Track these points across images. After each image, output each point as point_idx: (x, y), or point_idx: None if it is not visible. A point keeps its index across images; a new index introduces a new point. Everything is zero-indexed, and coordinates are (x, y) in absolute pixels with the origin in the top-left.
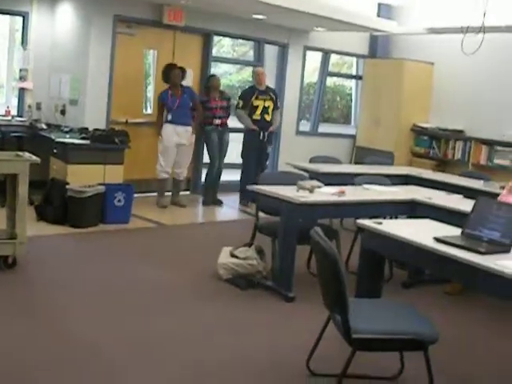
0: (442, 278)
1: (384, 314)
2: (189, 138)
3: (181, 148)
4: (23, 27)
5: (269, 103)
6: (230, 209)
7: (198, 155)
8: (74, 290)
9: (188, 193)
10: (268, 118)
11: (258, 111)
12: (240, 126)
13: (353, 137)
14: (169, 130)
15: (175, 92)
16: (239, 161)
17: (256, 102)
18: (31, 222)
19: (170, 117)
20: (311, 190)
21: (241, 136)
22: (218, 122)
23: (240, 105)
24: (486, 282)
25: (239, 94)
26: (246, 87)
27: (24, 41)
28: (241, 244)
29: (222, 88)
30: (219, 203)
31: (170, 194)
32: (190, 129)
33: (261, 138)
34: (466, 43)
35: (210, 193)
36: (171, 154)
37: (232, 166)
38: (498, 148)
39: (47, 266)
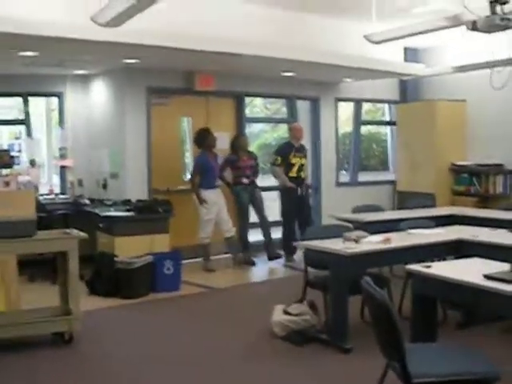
0: (496, 316)
1: (442, 357)
2: (222, 197)
3: (220, 209)
4: (59, 107)
5: (304, 161)
6: (276, 265)
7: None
8: (130, 363)
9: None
10: (303, 175)
11: (295, 168)
12: (273, 183)
13: (392, 182)
14: (208, 193)
15: (211, 156)
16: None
17: (293, 160)
18: (83, 297)
19: (207, 180)
20: (357, 241)
21: (272, 194)
22: (246, 181)
23: (277, 162)
24: None
25: (275, 149)
26: (282, 143)
27: (61, 120)
28: (292, 300)
29: (258, 147)
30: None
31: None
32: (219, 190)
33: (299, 193)
34: (495, 77)
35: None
36: (213, 216)
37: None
38: None
39: (103, 339)
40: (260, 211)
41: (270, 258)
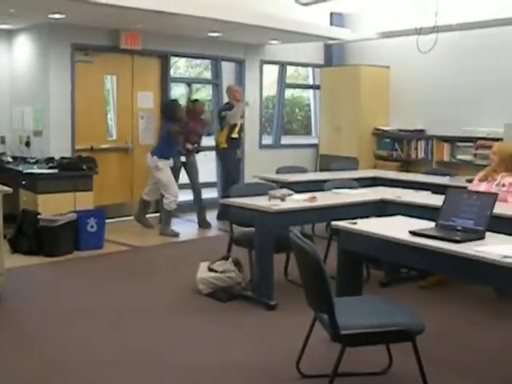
0: (416, 276)
1: (369, 310)
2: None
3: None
4: None
5: (243, 121)
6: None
7: None
8: (55, 318)
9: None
10: (242, 135)
11: (237, 129)
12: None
13: (315, 146)
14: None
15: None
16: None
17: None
18: (6, 255)
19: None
20: (283, 199)
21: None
22: (190, 147)
23: (225, 114)
24: (465, 269)
25: (219, 111)
26: (224, 104)
27: None
28: (218, 258)
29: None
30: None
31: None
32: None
33: (238, 156)
34: (420, 44)
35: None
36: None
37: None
38: (459, 144)
39: (27, 296)
40: (193, 177)
41: (201, 226)
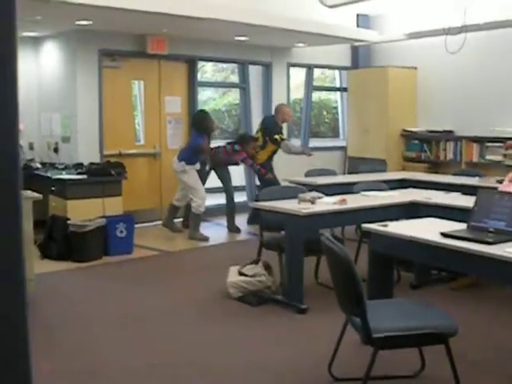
0: (447, 277)
1: (401, 312)
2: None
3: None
4: None
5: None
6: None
7: None
8: (85, 323)
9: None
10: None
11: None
12: None
13: (343, 148)
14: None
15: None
16: None
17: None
18: (36, 261)
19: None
20: (313, 202)
21: None
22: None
23: (282, 136)
24: (497, 270)
25: (267, 128)
26: (272, 121)
27: None
28: (247, 262)
29: (210, 113)
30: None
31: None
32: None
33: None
34: (448, 44)
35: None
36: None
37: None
38: (489, 144)
39: (56, 301)
40: (225, 180)
41: (230, 230)
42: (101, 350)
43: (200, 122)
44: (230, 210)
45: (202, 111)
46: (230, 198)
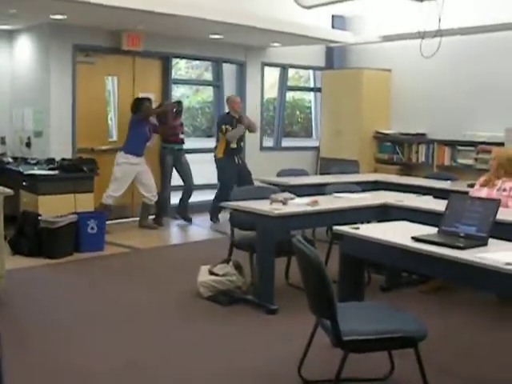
0: (417, 280)
1: (372, 316)
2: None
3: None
4: None
5: (244, 131)
6: (202, 229)
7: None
8: (55, 320)
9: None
10: (242, 144)
11: (235, 140)
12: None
13: (316, 148)
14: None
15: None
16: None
17: None
18: (6, 257)
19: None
20: (284, 202)
21: (199, 156)
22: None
23: (227, 130)
24: (467, 275)
25: (217, 123)
26: (223, 114)
27: None
28: (218, 261)
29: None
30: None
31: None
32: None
33: (236, 162)
34: (423, 47)
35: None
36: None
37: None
38: (460, 148)
39: (27, 298)
40: (186, 175)
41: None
42: (69, 349)
43: (135, 106)
44: (184, 201)
45: (138, 98)
46: (187, 190)
